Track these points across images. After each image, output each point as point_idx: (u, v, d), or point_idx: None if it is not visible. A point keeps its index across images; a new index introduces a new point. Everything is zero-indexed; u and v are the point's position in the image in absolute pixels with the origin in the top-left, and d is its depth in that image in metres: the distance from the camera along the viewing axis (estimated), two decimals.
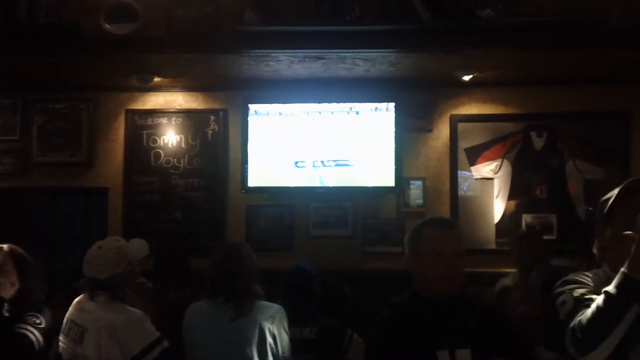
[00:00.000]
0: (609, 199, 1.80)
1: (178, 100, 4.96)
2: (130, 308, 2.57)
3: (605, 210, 1.79)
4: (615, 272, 1.62)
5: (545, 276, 3.25)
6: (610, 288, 1.56)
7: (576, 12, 3.68)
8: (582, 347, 1.60)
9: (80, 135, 4.90)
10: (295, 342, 2.85)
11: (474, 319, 2.02)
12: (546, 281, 3.02)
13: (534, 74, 4.47)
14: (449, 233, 2.10)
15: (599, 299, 1.58)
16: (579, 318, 1.62)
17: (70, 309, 2.65)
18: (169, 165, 4.88)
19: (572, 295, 1.71)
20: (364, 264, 4.72)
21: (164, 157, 4.89)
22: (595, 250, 4.07)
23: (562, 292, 1.76)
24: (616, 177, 4.53)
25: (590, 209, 4.60)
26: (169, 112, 4.93)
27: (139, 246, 2.81)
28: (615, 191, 1.78)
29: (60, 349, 2.61)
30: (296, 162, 4.72)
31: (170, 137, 4.90)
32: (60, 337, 2.63)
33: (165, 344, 2.53)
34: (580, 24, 3.64)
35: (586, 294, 1.68)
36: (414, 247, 2.12)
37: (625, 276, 1.54)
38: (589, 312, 1.59)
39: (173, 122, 4.91)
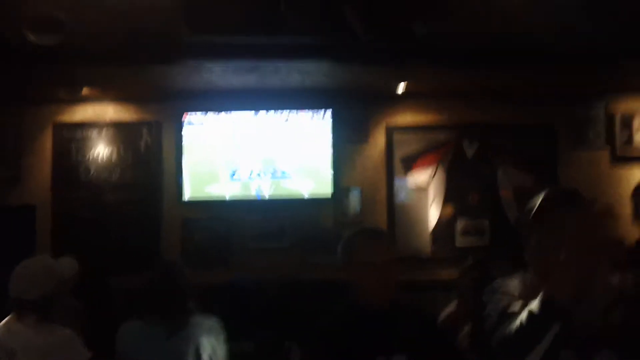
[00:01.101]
0: (533, 207, 1.85)
1: (108, 112, 4.83)
2: (60, 328, 2.48)
3: (530, 217, 1.84)
4: (539, 276, 1.67)
5: (478, 282, 3.31)
6: (533, 308, 1.59)
7: (505, 34, 3.80)
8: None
9: (6, 149, 4.69)
10: (233, 356, 2.81)
11: (408, 326, 2.05)
12: (476, 287, 3.07)
13: (464, 87, 4.59)
14: (380, 243, 2.13)
15: (522, 317, 1.60)
16: (501, 333, 1.66)
17: None
18: (100, 180, 4.74)
19: (496, 308, 1.75)
20: (302, 275, 4.70)
21: (95, 171, 4.74)
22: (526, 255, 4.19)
23: (488, 302, 1.80)
24: (544, 185, 4.68)
25: (518, 215, 4.76)
26: (99, 124, 4.78)
27: (68, 264, 2.72)
28: (539, 198, 1.84)
29: None
30: (233, 174, 4.67)
31: (101, 150, 4.76)
32: None
33: None
34: (508, 45, 3.77)
35: (509, 306, 1.71)
36: (347, 258, 2.14)
37: (546, 296, 1.58)
38: (513, 328, 1.62)
39: (103, 135, 4.77)
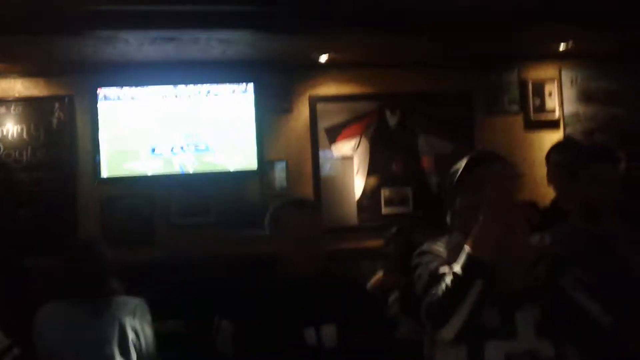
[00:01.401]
0: (457, 169, 1.89)
1: (17, 87, 4.55)
2: None
3: (454, 180, 1.88)
4: (465, 238, 1.73)
5: (402, 247, 3.38)
6: (456, 268, 1.66)
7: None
8: (434, 323, 1.72)
9: None
10: (161, 336, 2.75)
11: (337, 295, 2.06)
12: (401, 253, 3.14)
13: (385, 56, 4.64)
14: (307, 213, 2.12)
15: (447, 279, 1.68)
16: (431, 295, 1.71)
17: None
18: (10, 159, 4.48)
19: (427, 269, 1.80)
20: (230, 250, 4.64)
21: (4, 150, 4.48)
22: (448, 220, 4.30)
23: (418, 265, 1.85)
24: (463, 151, 4.81)
25: (439, 181, 4.89)
26: (6, 100, 4.51)
27: None
28: (463, 162, 1.88)
29: None
30: (153, 149, 4.53)
31: (10, 127, 4.49)
32: None
33: (16, 351, 2.33)
34: (424, 10, 3.80)
35: (439, 267, 1.77)
36: (273, 230, 2.12)
37: (468, 256, 1.66)
38: (439, 290, 1.68)
39: (12, 112, 4.51)
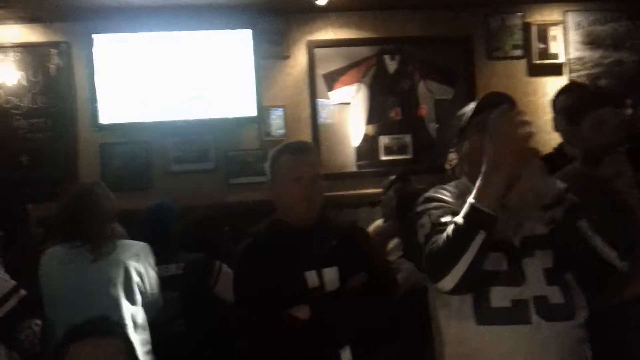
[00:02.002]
0: (464, 113, 1.84)
1: (13, 33, 4.51)
2: None
3: (462, 124, 1.84)
4: (472, 182, 1.68)
5: (401, 194, 3.40)
6: (458, 218, 1.60)
7: None
8: (434, 274, 1.65)
9: None
10: (161, 279, 2.80)
11: (336, 239, 2.08)
12: (400, 199, 3.16)
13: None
14: (305, 158, 2.10)
15: (448, 229, 1.61)
16: (431, 244, 1.65)
17: None
18: (10, 105, 4.48)
19: (430, 218, 1.73)
20: (228, 196, 4.69)
21: (4, 96, 4.47)
22: (447, 166, 4.30)
23: (422, 213, 1.77)
24: (463, 96, 4.83)
25: (437, 126, 4.88)
26: (4, 46, 4.48)
27: None
28: (471, 105, 1.83)
29: None
30: (151, 96, 4.51)
31: (8, 74, 4.48)
32: None
33: (23, 292, 2.38)
34: None
35: (443, 216, 1.71)
36: (272, 174, 2.12)
37: (471, 206, 1.58)
38: (440, 240, 1.62)
39: (11, 58, 4.49)
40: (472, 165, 1.77)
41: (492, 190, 1.58)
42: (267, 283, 1.94)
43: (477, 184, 1.61)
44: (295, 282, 1.97)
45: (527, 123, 1.59)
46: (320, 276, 2.00)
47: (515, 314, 1.67)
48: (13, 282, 2.37)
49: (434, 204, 1.79)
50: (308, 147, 2.21)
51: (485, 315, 1.68)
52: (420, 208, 1.81)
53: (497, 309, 1.68)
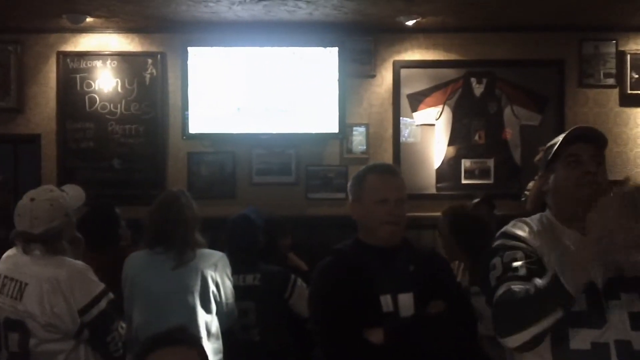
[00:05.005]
0: (554, 145, 1.75)
1: (112, 42, 4.75)
2: (71, 260, 2.41)
3: (550, 156, 1.75)
4: (557, 218, 1.59)
5: (457, 212, 3.19)
6: (540, 285, 1.52)
7: None
8: (501, 328, 1.59)
9: (9, 79, 4.65)
10: (238, 289, 2.85)
11: (415, 264, 2.06)
12: (456, 217, 2.95)
13: (473, 21, 4.51)
14: (391, 179, 2.08)
15: (530, 288, 1.52)
16: (504, 295, 1.58)
17: (1, 264, 2.44)
18: (105, 111, 4.71)
19: (502, 260, 1.66)
20: (306, 210, 4.74)
21: (100, 102, 4.71)
22: (526, 193, 4.13)
23: (496, 251, 1.71)
24: (552, 123, 4.69)
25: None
26: (103, 54, 4.72)
27: (74, 194, 2.64)
28: (560, 137, 1.73)
29: None
30: (238, 108, 4.63)
31: (106, 81, 4.71)
32: None
33: (111, 295, 2.44)
34: None
35: (515, 260, 1.63)
36: (357, 194, 2.11)
37: (557, 282, 1.48)
38: (515, 296, 1.54)
39: (108, 66, 4.72)
40: (558, 200, 1.70)
41: (582, 273, 1.48)
42: (343, 303, 1.93)
43: (569, 258, 1.50)
44: (370, 305, 1.95)
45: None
46: (395, 301, 1.97)
47: (594, 358, 1.58)
48: (102, 285, 2.42)
49: (510, 242, 1.71)
50: (395, 170, 2.18)
51: (564, 356, 1.60)
52: (496, 244, 1.74)
53: (576, 351, 1.59)
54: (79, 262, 2.42)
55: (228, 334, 2.76)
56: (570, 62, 4.81)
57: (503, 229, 1.77)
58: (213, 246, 2.86)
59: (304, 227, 4.17)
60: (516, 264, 1.63)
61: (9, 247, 2.48)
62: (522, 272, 1.61)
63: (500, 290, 1.60)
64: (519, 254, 1.66)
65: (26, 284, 2.34)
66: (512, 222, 1.79)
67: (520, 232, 1.73)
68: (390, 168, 2.20)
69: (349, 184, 2.17)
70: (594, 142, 1.71)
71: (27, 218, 2.37)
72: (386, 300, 1.96)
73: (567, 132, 1.74)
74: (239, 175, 4.75)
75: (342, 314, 1.92)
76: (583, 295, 1.58)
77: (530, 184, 4.25)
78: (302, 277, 3.10)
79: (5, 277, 2.39)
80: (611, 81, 4.83)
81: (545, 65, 4.82)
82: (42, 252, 2.38)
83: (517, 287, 1.57)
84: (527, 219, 1.78)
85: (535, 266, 1.62)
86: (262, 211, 3.26)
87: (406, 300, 1.98)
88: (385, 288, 1.97)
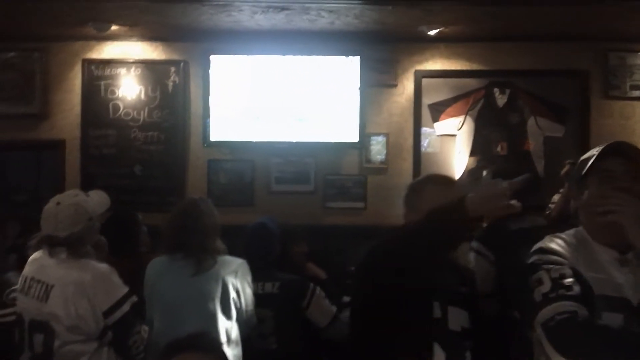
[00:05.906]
0: (587, 159, 1.72)
1: (136, 50, 4.80)
2: (95, 263, 2.46)
3: (584, 171, 1.73)
4: (590, 234, 1.58)
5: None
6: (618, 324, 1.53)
7: None
8: (565, 351, 1.56)
9: (34, 86, 4.72)
10: (257, 296, 2.85)
11: (465, 282, 2.07)
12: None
13: (496, 30, 4.47)
14: (449, 190, 2.06)
15: (613, 325, 1.54)
16: (570, 321, 1.56)
17: (27, 266, 2.51)
18: (128, 118, 4.76)
19: (549, 275, 1.64)
20: (324, 219, 4.73)
21: (123, 109, 4.76)
22: (551, 206, 4.08)
23: (537, 266, 1.68)
24: (575, 135, 4.63)
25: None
26: (127, 62, 4.77)
27: (98, 199, 2.68)
28: (594, 152, 1.72)
29: (20, 309, 2.48)
30: (258, 117, 4.65)
31: (129, 88, 4.76)
32: (18, 296, 2.52)
33: (135, 298, 2.47)
34: None
35: (565, 277, 1.62)
36: (414, 204, 2.10)
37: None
38: (587, 329, 1.54)
39: (132, 73, 4.77)
40: (591, 216, 1.68)
41: None
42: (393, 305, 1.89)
43: None
44: (422, 309, 1.92)
45: None
46: (444, 312, 1.94)
47: None
48: (126, 288, 2.45)
49: (552, 257, 1.68)
50: (451, 180, 2.19)
51: None
52: (533, 259, 1.71)
53: None
54: (104, 265, 2.46)
55: (245, 342, 2.76)
56: (595, 73, 4.74)
57: (539, 245, 1.75)
58: (231, 254, 2.86)
59: (321, 236, 4.14)
60: (567, 281, 1.61)
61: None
62: (576, 290, 1.59)
63: (563, 312, 1.56)
64: (567, 270, 1.64)
65: (52, 286, 2.38)
66: (547, 237, 1.76)
67: (557, 247, 1.71)
68: (450, 180, 2.20)
69: (403, 194, 2.15)
70: (628, 157, 1.68)
71: (52, 222, 2.44)
72: (437, 308, 1.92)
73: (601, 147, 1.71)
74: (258, 183, 4.76)
75: (394, 315, 1.89)
76: (620, 315, 1.58)
77: (556, 197, 4.20)
78: (321, 286, 3.09)
79: (32, 279, 2.45)
80: (638, 93, 4.74)
81: (569, 76, 4.75)
82: (67, 256, 2.43)
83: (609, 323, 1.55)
84: (562, 234, 1.77)
85: (583, 285, 1.60)
86: (276, 219, 3.25)
87: (456, 314, 1.95)
88: (439, 296, 1.94)
